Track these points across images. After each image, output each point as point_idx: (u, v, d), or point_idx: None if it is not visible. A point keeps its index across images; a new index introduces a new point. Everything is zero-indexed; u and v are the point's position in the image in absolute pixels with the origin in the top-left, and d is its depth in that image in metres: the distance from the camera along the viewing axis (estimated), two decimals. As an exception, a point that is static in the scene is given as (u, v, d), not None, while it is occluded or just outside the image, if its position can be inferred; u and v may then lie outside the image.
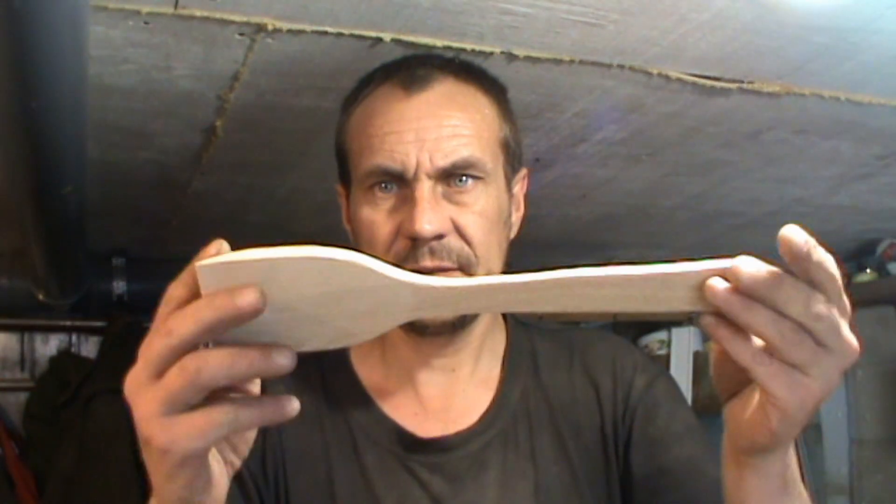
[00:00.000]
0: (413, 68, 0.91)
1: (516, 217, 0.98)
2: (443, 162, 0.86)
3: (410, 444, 0.92)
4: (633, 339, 2.97)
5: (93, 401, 2.27)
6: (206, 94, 1.21)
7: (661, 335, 2.98)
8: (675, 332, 2.96)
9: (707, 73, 1.21)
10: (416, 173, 0.85)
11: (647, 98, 1.30)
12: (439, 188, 0.87)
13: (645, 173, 1.74)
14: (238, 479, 0.84)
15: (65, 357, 2.56)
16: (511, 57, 1.11)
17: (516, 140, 0.96)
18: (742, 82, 1.24)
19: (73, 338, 2.64)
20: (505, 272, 0.91)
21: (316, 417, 0.93)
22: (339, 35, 1.02)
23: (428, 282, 0.58)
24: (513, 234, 0.97)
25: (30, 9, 0.73)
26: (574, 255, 2.59)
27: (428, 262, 0.85)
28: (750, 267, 0.55)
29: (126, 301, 2.38)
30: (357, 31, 1.02)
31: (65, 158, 1.13)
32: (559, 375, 0.98)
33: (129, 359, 0.57)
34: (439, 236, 0.85)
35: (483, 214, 0.88)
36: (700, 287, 0.56)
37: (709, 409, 2.99)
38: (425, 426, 0.93)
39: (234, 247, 0.55)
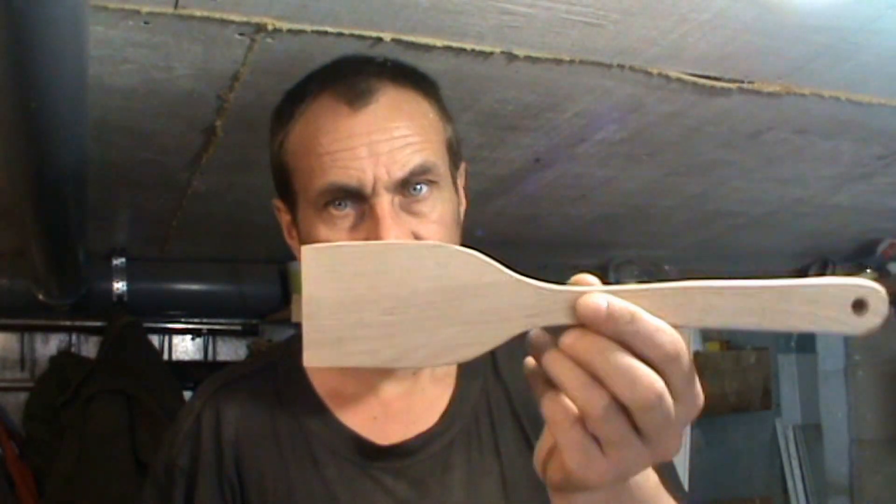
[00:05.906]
0: (350, 79, 0.88)
1: (461, 211, 0.97)
2: (400, 172, 0.85)
3: (370, 452, 0.91)
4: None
5: (93, 401, 2.27)
6: (206, 94, 1.21)
7: (661, 335, 2.96)
8: (675, 332, 2.94)
9: (707, 73, 1.21)
10: (374, 188, 0.84)
11: (647, 98, 1.30)
12: (397, 200, 0.85)
13: (645, 173, 1.74)
14: None
15: (65, 357, 2.56)
16: (511, 57, 1.11)
17: (456, 137, 0.95)
18: (742, 82, 1.24)
19: (73, 338, 2.65)
20: None
21: (272, 434, 0.92)
22: (339, 35, 1.02)
23: (551, 286, 0.54)
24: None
25: (30, 9, 0.73)
26: (574, 255, 2.59)
27: None
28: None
29: (126, 301, 2.37)
30: (357, 31, 1.02)
31: (65, 158, 1.13)
32: (517, 367, 0.95)
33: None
34: None
35: (441, 222, 0.87)
36: (818, 301, 0.52)
37: (709, 409, 2.99)
38: (385, 430, 0.92)
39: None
